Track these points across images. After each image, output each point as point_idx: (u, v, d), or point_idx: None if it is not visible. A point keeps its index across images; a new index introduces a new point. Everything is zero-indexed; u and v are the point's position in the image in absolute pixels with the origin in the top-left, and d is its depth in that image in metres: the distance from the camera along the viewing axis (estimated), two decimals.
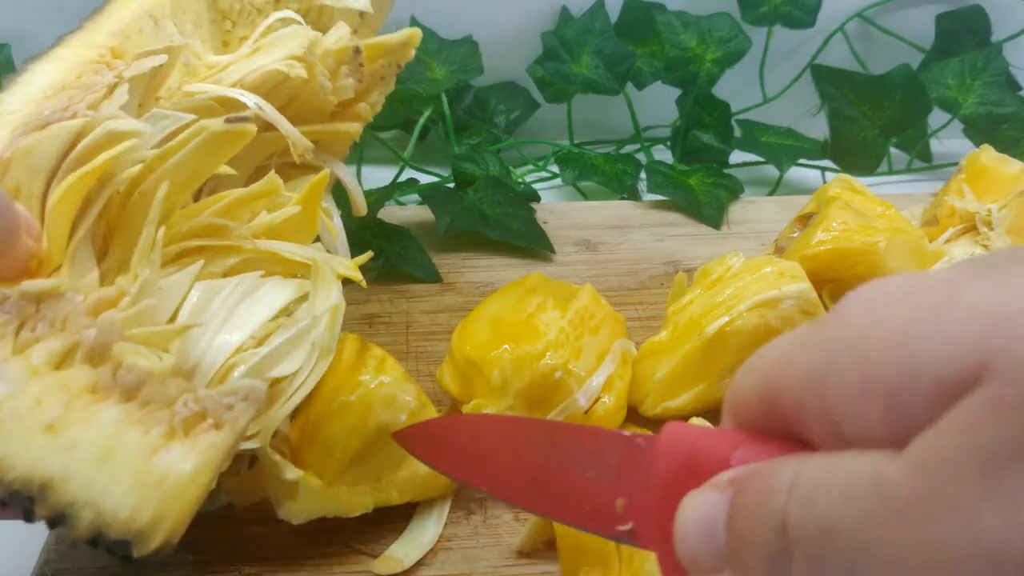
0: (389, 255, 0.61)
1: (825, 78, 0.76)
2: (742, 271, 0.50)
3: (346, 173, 0.53)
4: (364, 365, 0.43)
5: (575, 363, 0.47)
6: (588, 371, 0.47)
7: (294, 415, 0.41)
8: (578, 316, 0.49)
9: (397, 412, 0.42)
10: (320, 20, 0.54)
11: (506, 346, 0.46)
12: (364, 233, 0.62)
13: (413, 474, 0.43)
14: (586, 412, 0.47)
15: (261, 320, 0.40)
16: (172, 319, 0.38)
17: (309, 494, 0.41)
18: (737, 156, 0.78)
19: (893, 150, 0.79)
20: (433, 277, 0.61)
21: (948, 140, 0.79)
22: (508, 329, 0.48)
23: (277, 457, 0.40)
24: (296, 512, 0.41)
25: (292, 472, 0.40)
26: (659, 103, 0.80)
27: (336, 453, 0.41)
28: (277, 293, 0.41)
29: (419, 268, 0.61)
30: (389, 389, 0.42)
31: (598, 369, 0.47)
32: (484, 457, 0.32)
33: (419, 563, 0.43)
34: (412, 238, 0.63)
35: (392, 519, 0.44)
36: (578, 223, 0.68)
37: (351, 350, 0.43)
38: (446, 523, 0.45)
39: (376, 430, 0.42)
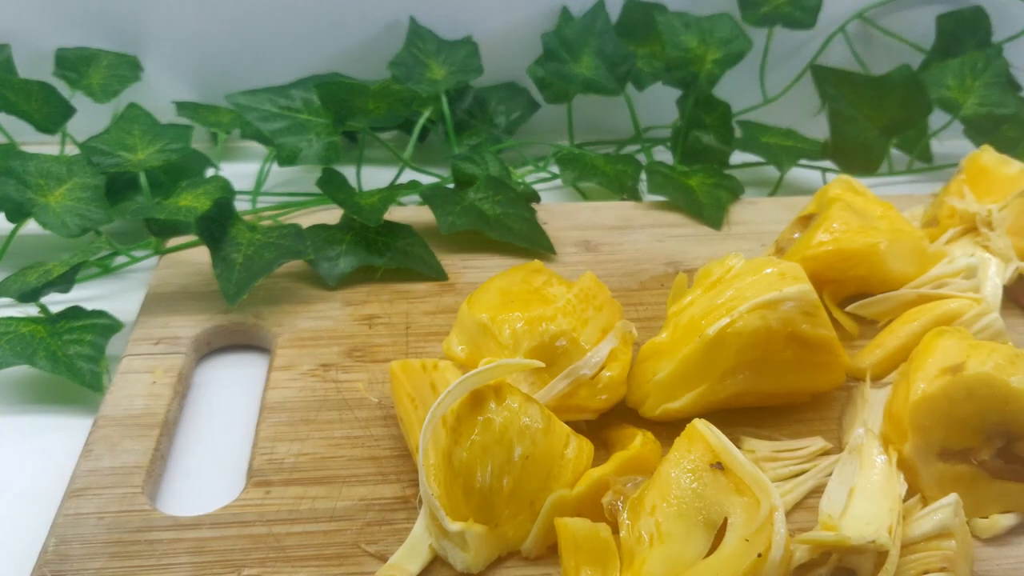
0: (395, 253, 0.61)
1: (826, 79, 0.76)
2: (743, 272, 0.50)
3: None
4: (484, 399, 0.43)
5: (581, 332, 0.48)
6: (592, 343, 0.48)
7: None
8: (583, 293, 0.51)
9: (533, 435, 0.43)
10: None
11: (517, 311, 0.48)
12: (369, 232, 0.62)
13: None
14: (592, 378, 0.48)
15: None
16: None
17: (479, 542, 0.42)
18: (738, 157, 0.78)
19: (893, 151, 0.79)
20: (439, 275, 0.61)
21: (948, 141, 0.79)
22: (518, 297, 0.50)
23: (442, 512, 0.41)
24: (473, 564, 0.42)
25: (455, 525, 0.41)
26: (659, 104, 0.80)
27: (495, 499, 0.42)
28: None
29: (425, 266, 0.61)
30: (519, 416, 0.43)
31: (603, 340, 0.49)
32: None
33: None
34: (417, 236, 0.63)
35: (395, 519, 0.44)
36: (578, 224, 0.68)
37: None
38: None
39: (522, 460, 0.42)
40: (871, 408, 0.49)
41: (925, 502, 0.43)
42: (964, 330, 0.49)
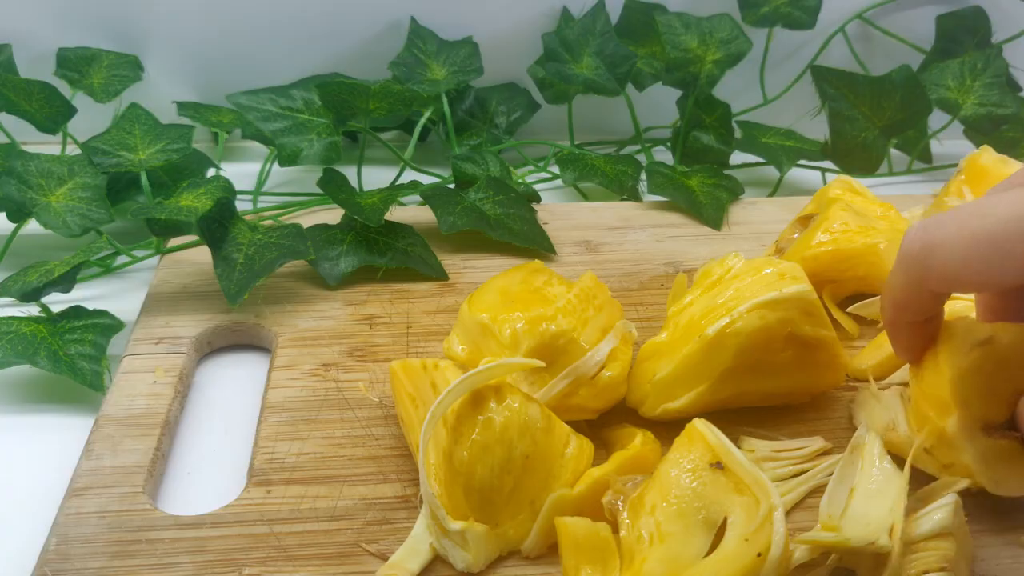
0: (396, 253, 0.61)
1: (825, 79, 0.76)
2: (742, 272, 0.50)
3: None
4: (484, 398, 0.43)
5: (581, 332, 0.48)
6: (592, 343, 0.48)
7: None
8: (583, 292, 0.50)
9: (533, 434, 0.43)
10: None
11: (517, 311, 0.48)
12: (370, 232, 0.62)
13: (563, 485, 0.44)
14: (592, 378, 0.48)
15: None
16: None
17: (479, 541, 0.42)
18: (737, 157, 0.78)
19: (893, 151, 0.79)
20: (440, 275, 0.61)
21: (948, 141, 0.79)
22: (518, 297, 0.50)
23: (443, 511, 0.41)
24: (474, 563, 0.42)
25: (456, 524, 0.41)
26: (660, 104, 0.80)
27: (495, 498, 0.42)
28: None
29: (426, 266, 0.61)
30: (519, 415, 0.43)
31: (603, 340, 0.49)
32: None
33: None
34: (418, 236, 0.63)
35: (395, 519, 0.44)
36: (579, 224, 0.68)
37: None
38: None
39: (522, 460, 0.43)
40: (884, 406, 0.48)
41: (925, 502, 0.43)
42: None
